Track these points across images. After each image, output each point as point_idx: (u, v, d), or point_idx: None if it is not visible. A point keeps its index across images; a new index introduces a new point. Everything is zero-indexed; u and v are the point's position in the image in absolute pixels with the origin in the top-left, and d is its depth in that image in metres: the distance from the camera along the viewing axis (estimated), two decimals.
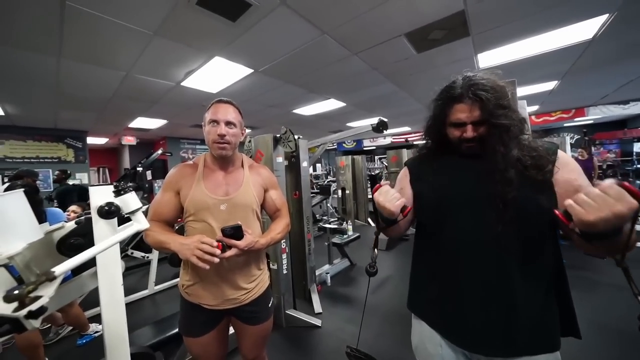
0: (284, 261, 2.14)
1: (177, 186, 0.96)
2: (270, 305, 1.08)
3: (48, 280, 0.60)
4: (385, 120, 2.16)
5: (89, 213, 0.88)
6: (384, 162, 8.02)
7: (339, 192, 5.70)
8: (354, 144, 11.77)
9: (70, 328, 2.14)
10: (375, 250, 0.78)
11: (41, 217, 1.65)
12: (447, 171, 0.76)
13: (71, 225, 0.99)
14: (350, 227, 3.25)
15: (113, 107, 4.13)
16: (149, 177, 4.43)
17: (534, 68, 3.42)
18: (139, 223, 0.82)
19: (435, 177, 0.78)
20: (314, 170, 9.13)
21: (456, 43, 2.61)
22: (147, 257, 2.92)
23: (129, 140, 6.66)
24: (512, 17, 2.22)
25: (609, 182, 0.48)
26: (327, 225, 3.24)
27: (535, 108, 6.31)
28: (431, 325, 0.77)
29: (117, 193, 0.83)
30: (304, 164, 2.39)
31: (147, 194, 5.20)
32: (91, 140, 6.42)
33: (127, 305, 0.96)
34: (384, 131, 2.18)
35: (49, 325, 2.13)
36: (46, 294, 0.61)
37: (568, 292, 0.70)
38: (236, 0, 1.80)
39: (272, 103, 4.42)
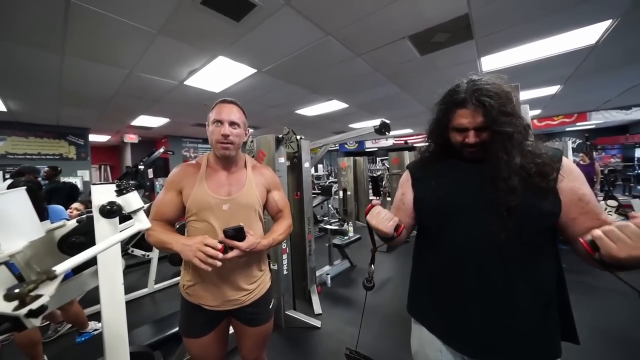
0: (285, 261, 2.13)
1: (180, 185, 0.95)
2: (271, 306, 1.07)
3: (49, 279, 0.60)
4: (388, 122, 2.16)
5: (90, 212, 0.88)
6: (386, 164, 8.02)
7: (340, 193, 5.70)
8: (356, 145, 11.77)
9: (69, 325, 2.14)
10: (372, 266, 0.78)
11: (43, 214, 1.65)
12: (450, 176, 0.76)
13: (72, 223, 0.99)
14: (351, 229, 3.25)
15: (115, 105, 4.14)
16: (151, 175, 4.43)
17: (537, 72, 3.41)
18: (141, 222, 0.82)
19: (437, 182, 0.77)
20: (316, 171, 9.14)
21: (460, 46, 2.61)
22: (148, 255, 2.92)
23: (131, 138, 6.67)
24: (516, 21, 2.21)
25: None
26: (328, 226, 3.23)
27: (537, 112, 6.30)
28: (431, 330, 0.76)
29: (119, 192, 0.83)
30: (306, 164, 2.39)
31: (148, 193, 5.20)
32: (93, 137, 6.43)
33: (127, 303, 0.96)
34: (387, 133, 2.18)
35: (48, 322, 2.13)
36: (47, 292, 0.61)
37: (567, 297, 0.70)
38: (240, 0, 1.81)
39: (274, 103, 4.42)
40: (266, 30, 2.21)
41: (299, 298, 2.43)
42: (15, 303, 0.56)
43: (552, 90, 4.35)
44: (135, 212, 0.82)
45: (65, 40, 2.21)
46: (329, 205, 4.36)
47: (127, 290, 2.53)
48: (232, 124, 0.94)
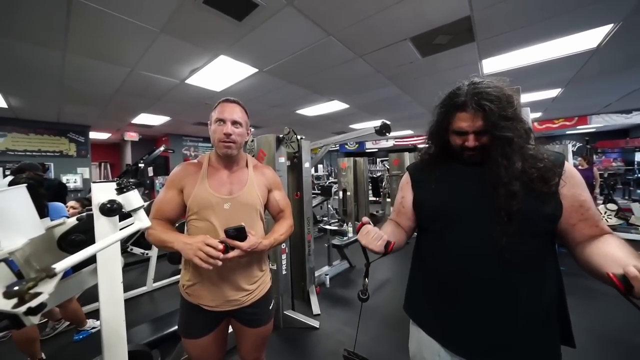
0: (284, 262, 2.13)
1: (181, 184, 0.95)
2: (271, 307, 1.07)
3: (48, 277, 0.60)
4: (389, 123, 2.16)
5: (89, 210, 0.88)
6: (386, 165, 8.02)
7: (340, 193, 5.69)
8: (356, 145, 11.77)
9: (67, 323, 2.13)
10: (366, 279, 0.77)
11: (43, 212, 1.65)
12: (450, 180, 0.75)
13: (72, 221, 0.99)
14: (350, 229, 3.25)
15: (116, 103, 4.14)
16: (151, 173, 4.43)
17: (538, 75, 3.42)
18: (141, 221, 0.82)
19: (437, 185, 0.77)
20: (316, 171, 9.14)
21: (461, 48, 2.61)
22: (147, 254, 2.92)
23: (132, 136, 6.67)
24: (518, 24, 2.22)
25: None
26: (327, 227, 3.23)
27: (538, 115, 6.30)
28: (429, 333, 0.76)
29: (120, 190, 0.83)
30: (306, 164, 2.39)
31: (148, 191, 5.20)
32: (94, 135, 6.43)
33: (125, 301, 0.96)
34: (387, 134, 2.18)
35: (46, 320, 2.13)
36: (46, 290, 0.61)
37: (564, 301, 0.70)
38: None
39: (275, 103, 4.42)
40: (268, 30, 2.21)
41: (298, 298, 2.43)
42: (15, 300, 0.56)
43: (553, 93, 4.35)
44: (135, 210, 0.82)
45: (67, 37, 2.21)
46: (329, 206, 4.36)
47: (126, 289, 2.52)
48: (235, 123, 0.94)
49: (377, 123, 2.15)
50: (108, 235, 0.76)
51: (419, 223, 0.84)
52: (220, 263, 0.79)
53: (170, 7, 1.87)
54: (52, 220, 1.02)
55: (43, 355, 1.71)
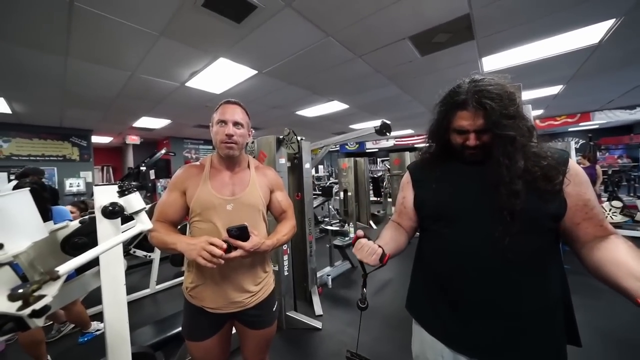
0: (285, 262, 2.14)
1: (184, 186, 0.95)
2: (274, 309, 1.07)
3: (52, 280, 0.61)
4: (389, 122, 2.16)
5: (92, 213, 0.89)
6: (387, 165, 8.00)
7: (341, 194, 5.69)
8: (357, 146, 11.77)
9: (72, 325, 2.15)
10: (364, 289, 0.77)
11: (47, 215, 1.67)
12: (451, 179, 0.75)
13: (75, 224, 1.00)
14: (351, 229, 3.24)
15: (118, 107, 4.17)
16: (152, 176, 4.47)
17: (539, 72, 3.40)
18: (143, 223, 0.83)
19: (438, 185, 0.76)
20: (316, 171, 9.15)
21: (461, 46, 2.61)
22: (149, 256, 2.93)
23: (133, 139, 6.72)
24: (518, 21, 2.21)
25: None
26: (328, 227, 3.23)
27: (540, 112, 6.27)
28: (432, 333, 0.75)
29: (121, 193, 0.83)
30: (307, 165, 2.39)
31: (150, 194, 5.24)
32: (96, 139, 6.48)
33: (129, 304, 0.96)
34: (387, 134, 2.18)
35: (51, 322, 2.14)
36: (50, 293, 0.61)
37: (569, 300, 0.69)
38: (241, 1, 1.82)
39: (275, 104, 4.44)
40: (267, 32, 2.22)
41: (300, 299, 2.43)
42: (19, 303, 0.57)
43: (555, 90, 4.33)
44: (137, 213, 0.83)
45: (68, 42, 2.23)
46: (330, 206, 4.36)
47: (129, 291, 2.54)
48: (236, 124, 0.94)
49: (377, 123, 2.15)
50: (110, 238, 0.77)
51: (420, 223, 0.83)
52: (222, 262, 0.79)
53: (169, 11, 1.89)
54: (56, 223, 1.03)
55: (49, 357, 1.72)
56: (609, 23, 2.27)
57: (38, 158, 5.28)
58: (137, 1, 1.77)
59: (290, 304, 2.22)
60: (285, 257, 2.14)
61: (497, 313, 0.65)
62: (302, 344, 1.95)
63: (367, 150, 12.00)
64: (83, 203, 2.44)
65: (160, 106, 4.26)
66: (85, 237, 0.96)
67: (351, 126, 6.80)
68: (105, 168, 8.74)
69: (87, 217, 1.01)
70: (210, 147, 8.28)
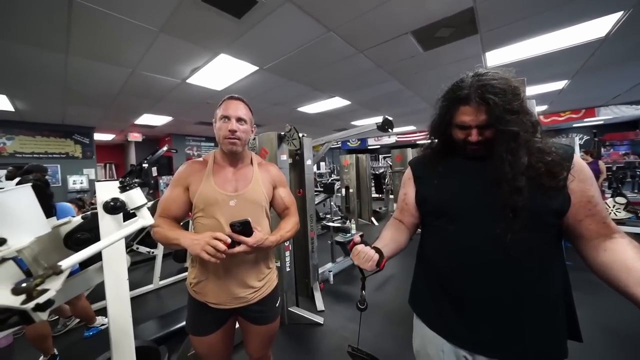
0: (287, 259, 2.15)
1: (187, 182, 0.96)
2: (277, 305, 1.07)
3: (55, 274, 0.61)
4: (391, 119, 2.14)
5: (94, 209, 0.90)
6: (388, 161, 7.98)
7: (343, 190, 5.69)
8: (359, 142, 11.73)
9: (78, 320, 2.18)
10: (363, 292, 0.78)
11: (50, 212, 1.68)
12: (453, 175, 0.74)
13: (78, 220, 1.01)
14: (353, 226, 3.24)
15: (119, 104, 4.18)
16: (155, 173, 4.47)
17: (543, 67, 3.35)
18: (144, 219, 0.83)
19: (440, 181, 0.75)
20: (318, 168, 9.14)
21: (464, 41, 2.57)
22: (152, 252, 2.96)
23: (135, 136, 6.75)
24: (522, 14, 2.17)
25: None
26: (330, 224, 3.23)
27: (544, 108, 6.19)
28: (433, 329, 0.75)
29: (123, 189, 0.84)
30: (308, 162, 2.38)
31: (152, 191, 5.26)
32: (98, 136, 6.51)
33: (132, 299, 0.97)
34: (389, 130, 2.16)
35: (57, 317, 2.18)
36: (53, 287, 0.62)
37: (571, 296, 0.69)
38: None
39: (276, 101, 4.42)
40: (268, 27, 2.20)
41: (302, 295, 2.44)
42: (23, 297, 0.57)
43: (560, 85, 4.27)
44: (138, 208, 0.83)
45: (69, 39, 2.23)
46: (332, 203, 4.36)
47: (133, 287, 2.57)
48: (239, 120, 0.94)
49: (379, 119, 2.14)
50: (112, 233, 0.77)
51: (422, 219, 0.83)
52: (224, 256, 0.79)
53: (169, 6, 1.88)
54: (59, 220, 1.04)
55: (55, 351, 1.75)
56: (617, 16, 2.23)
57: (41, 155, 5.32)
58: None
59: (292, 300, 2.24)
60: (287, 253, 2.15)
61: (499, 309, 0.65)
62: (304, 339, 1.97)
63: (369, 147, 11.96)
64: (80, 200, 2.47)
65: (162, 103, 4.26)
66: (88, 233, 0.96)
67: (353, 123, 6.77)
68: (108, 165, 8.80)
69: (89, 212, 1.02)
70: (212, 144, 8.29)
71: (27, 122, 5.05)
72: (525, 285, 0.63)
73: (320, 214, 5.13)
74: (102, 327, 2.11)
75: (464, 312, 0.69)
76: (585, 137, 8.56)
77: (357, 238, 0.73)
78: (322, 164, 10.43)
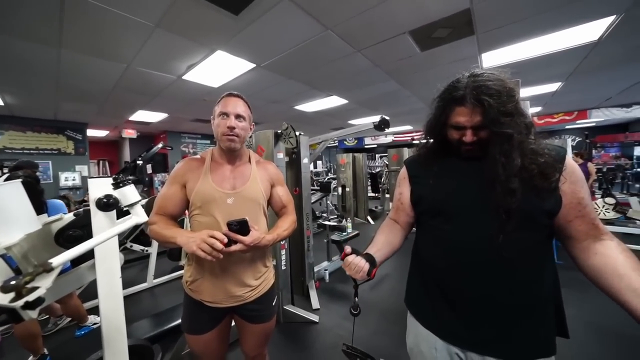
0: (283, 257, 2.14)
1: (184, 179, 0.94)
2: (274, 303, 1.07)
3: (45, 271, 0.60)
4: (387, 118, 2.15)
5: (83, 207, 0.88)
6: (385, 161, 8.01)
7: (339, 189, 5.70)
8: (355, 141, 11.75)
9: (69, 319, 2.15)
10: (356, 299, 0.80)
11: (41, 208, 1.64)
12: (448, 175, 0.74)
13: (70, 217, 0.99)
14: (349, 225, 3.25)
15: (114, 100, 4.11)
16: (149, 170, 4.42)
17: (538, 69, 3.40)
18: (138, 216, 0.82)
19: (435, 181, 0.76)
20: (315, 167, 9.13)
21: (461, 42, 2.59)
22: (146, 250, 2.93)
23: (130, 133, 6.65)
24: (518, 17, 2.19)
25: None
26: (326, 222, 3.24)
27: (538, 109, 6.28)
28: (427, 326, 0.76)
29: (116, 185, 0.82)
30: (305, 160, 2.38)
31: (147, 188, 5.19)
32: (91, 132, 6.40)
33: (126, 298, 0.96)
34: (386, 129, 2.17)
35: (48, 316, 2.14)
36: (44, 285, 0.61)
37: (559, 294, 0.70)
38: None
39: (273, 99, 4.40)
40: (265, 24, 2.18)
41: (297, 293, 2.44)
42: (12, 295, 0.56)
43: (553, 87, 4.33)
44: (132, 205, 0.82)
45: (61, 33, 2.18)
46: (328, 202, 4.36)
47: (126, 285, 2.54)
48: (238, 116, 0.93)
49: (376, 118, 2.14)
50: (105, 230, 0.76)
51: (417, 218, 0.84)
52: (221, 256, 0.79)
53: (165, 1, 1.85)
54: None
55: (45, 351, 1.72)
56: (609, 20, 2.27)
57: (32, 151, 5.20)
58: None
59: (287, 298, 2.24)
60: (283, 252, 2.15)
61: (491, 307, 0.66)
62: (299, 337, 1.97)
63: (366, 146, 12.00)
64: (65, 198, 2.43)
65: (157, 99, 4.20)
66: (80, 230, 0.95)
67: (350, 122, 6.78)
68: (101, 162, 8.66)
69: (81, 209, 1.00)
70: (208, 141, 8.21)
71: (17, 117, 4.93)
72: (518, 283, 0.64)
73: (317, 212, 5.13)
74: (94, 326, 2.08)
75: (458, 310, 0.70)
76: (578, 139, 8.72)
77: (348, 249, 0.74)
78: (319, 162, 10.43)
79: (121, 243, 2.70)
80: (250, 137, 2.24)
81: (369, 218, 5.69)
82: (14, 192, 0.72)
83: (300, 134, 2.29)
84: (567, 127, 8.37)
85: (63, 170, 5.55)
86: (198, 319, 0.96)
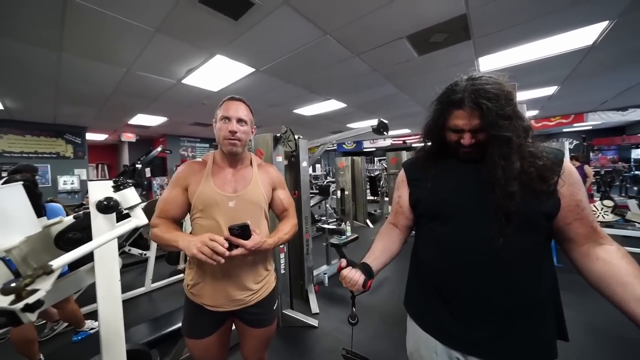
0: (282, 261, 2.14)
1: (186, 182, 0.95)
2: (275, 307, 1.06)
3: (45, 274, 0.60)
4: (386, 121, 2.17)
5: (87, 209, 0.88)
6: (384, 164, 8.04)
7: (338, 192, 5.70)
8: (354, 145, 11.79)
9: (66, 324, 2.13)
10: (353, 309, 0.83)
11: (40, 212, 1.64)
12: (446, 177, 0.75)
13: (69, 219, 0.99)
14: (348, 228, 3.25)
15: (113, 103, 4.12)
16: (148, 174, 4.42)
17: (534, 73, 3.44)
18: (138, 219, 0.82)
19: (433, 183, 0.76)
20: (314, 170, 9.14)
21: (457, 46, 2.62)
22: (145, 254, 2.91)
23: (129, 137, 6.65)
24: (514, 22, 2.23)
25: None
26: (325, 226, 3.23)
27: (534, 113, 6.34)
28: (426, 330, 0.76)
29: (117, 188, 0.83)
30: (304, 163, 2.39)
31: (145, 192, 5.19)
32: (90, 136, 6.40)
33: (124, 302, 0.96)
34: (384, 133, 2.19)
35: (44, 321, 2.12)
36: (43, 287, 0.61)
37: (558, 296, 0.70)
38: None
39: (272, 103, 4.42)
40: (264, 29, 2.21)
41: (297, 297, 2.43)
42: (12, 297, 0.56)
43: (550, 91, 4.38)
44: (132, 208, 0.82)
45: (62, 37, 2.20)
46: (327, 205, 4.36)
47: (124, 289, 2.51)
48: (240, 120, 0.94)
49: (374, 122, 2.16)
50: (105, 233, 0.76)
51: (416, 221, 0.84)
52: (223, 260, 0.79)
53: (165, 6, 1.87)
54: None
55: (41, 356, 1.70)
56: (603, 25, 2.31)
57: (31, 155, 5.20)
58: None
59: (286, 302, 2.22)
60: (282, 255, 2.14)
61: (491, 310, 0.66)
62: (298, 341, 1.96)
63: (365, 150, 12.03)
64: (54, 202, 2.42)
65: (157, 103, 4.22)
66: (80, 233, 0.95)
67: (349, 125, 6.81)
68: (100, 166, 8.64)
69: (81, 212, 1.00)
70: (207, 145, 8.22)
71: (17, 121, 4.93)
72: (518, 286, 0.64)
73: (316, 216, 5.12)
74: (92, 332, 2.06)
75: (457, 314, 0.70)
76: (575, 142, 8.78)
77: (343, 263, 0.76)
78: (318, 166, 10.45)
79: (120, 246, 2.69)
80: (250, 140, 2.24)
81: (368, 221, 5.69)
82: (15, 195, 0.72)
83: (299, 138, 2.30)
84: (564, 130, 8.44)
85: (62, 174, 5.54)
86: (199, 323, 0.95)
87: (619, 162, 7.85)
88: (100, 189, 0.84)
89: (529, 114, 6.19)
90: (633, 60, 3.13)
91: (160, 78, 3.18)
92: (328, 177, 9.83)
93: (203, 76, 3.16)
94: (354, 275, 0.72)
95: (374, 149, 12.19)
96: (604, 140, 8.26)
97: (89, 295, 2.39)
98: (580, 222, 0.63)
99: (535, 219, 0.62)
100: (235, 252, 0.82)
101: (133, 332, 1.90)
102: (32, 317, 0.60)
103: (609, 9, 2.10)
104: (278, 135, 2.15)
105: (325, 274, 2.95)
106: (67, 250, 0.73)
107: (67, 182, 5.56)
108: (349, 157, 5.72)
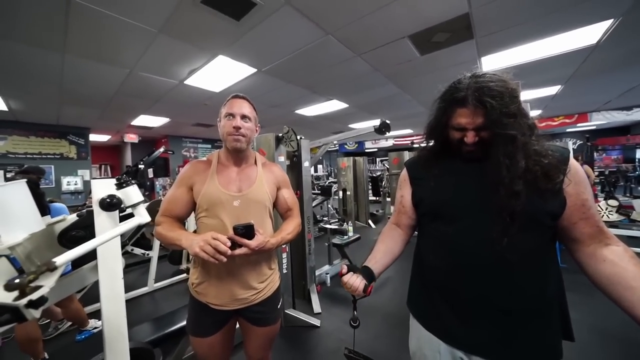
0: (284, 261, 2.13)
1: (191, 181, 0.95)
2: (279, 306, 1.07)
3: (49, 270, 0.60)
4: (388, 122, 2.16)
5: (90, 207, 0.88)
6: (386, 164, 8.02)
7: (340, 193, 5.70)
8: (356, 145, 11.78)
9: (70, 323, 2.14)
10: (355, 312, 0.83)
11: (44, 211, 1.66)
12: (449, 176, 0.74)
13: (73, 217, 1.00)
14: (350, 228, 3.24)
15: (116, 104, 4.15)
16: (151, 175, 4.44)
17: (537, 72, 3.42)
18: (141, 216, 0.82)
19: (436, 183, 0.75)
20: (316, 171, 9.14)
21: (460, 46, 2.61)
22: (147, 254, 2.92)
23: (131, 137, 6.69)
24: (517, 21, 2.22)
25: None
26: (327, 226, 3.23)
27: (538, 112, 6.29)
28: (429, 330, 0.75)
29: (119, 186, 0.83)
30: (306, 164, 2.39)
31: (148, 192, 5.21)
32: (93, 137, 6.45)
33: (127, 302, 0.96)
34: (386, 133, 2.18)
35: (48, 320, 2.13)
36: (47, 284, 0.61)
37: (564, 297, 0.69)
38: None
39: (274, 103, 4.43)
40: (266, 30, 2.21)
41: (299, 297, 2.43)
42: (16, 293, 0.56)
43: (553, 90, 4.35)
44: (135, 205, 0.83)
45: (66, 38, 2.22)
46: (329, 205, 4.36)
47: (127, 289, 2.52)
48: (244, 117, 0.96)
49: (377, 122, 2.16)
50: (108, 231, 0.76)
51: (419, 220, 0.83)
52: (225, 259, 0.78)
53: (168, 7, 1.88)
54: None
55: (46, 355, 1.71)
56: (607, 24, 2.29)
57: (35, 156, 5.25)
58: None
59: (289, 302, 2.22)
60: (285, 255, 2.14)
61: (495, 310, 0.65)
62: (300, 341, 1.95)
63: (366, 150, 12.02)
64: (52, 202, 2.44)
65: (159, 104, 4.24)
66: (83, 230, 0.95)
67: (350, 125, 6.81)
68: (103, 166, 8.71)
69: (84, 210, 1.01)
70: (209, 145, 8.26)
71: (21, 122, 4.98)
72: (521, 288, 0.63)
73: (318, 216, 5.12)
74: (95, 331, 2.06)
75: (461, 313, 0.69)
76: (579, 142, 8.71)
77: (344, 269, 0.76)
78: (320, 166, 10.44)
79: (122, 245, 2.70)
80: (253, 140, 2.25)
81: (370, 222, 5.67)
82: (19, 192, 0.73)
83: (301, 138, 2.30)
84: (568, 130, 8.37)
85: (65, 175, 5.59)
86: (203, 321, 0.96)
87: (622, 165, 7.77)
88: (103, 187, 0.84)
89: (533, 113, 6.13)
90: (637, 59, 3.09)
91: (163, 79, 3.20)
92: (330, 178, 9.83)
93: (205, 77, 3.18)
94: (355, 281, 0.73)
95: (376, 150, 12.18)
96: (608, 140, 8.17)
97: (92, 294, 2.41)
98: (586, 222, 0.61)
99: (541, 219, 0.61)
100: (238, 251, 0.82)
101: (136, 331, 1.91)
102: (35, 313, 0.60)
103: (613, 8, 2.08)
104: (280, 135, 2.15)
105: (327, 274, 2.94)
106: (71, 248, 0.74)
107: (71, 182, 5.61)
108: (351, 158, 5.72)
